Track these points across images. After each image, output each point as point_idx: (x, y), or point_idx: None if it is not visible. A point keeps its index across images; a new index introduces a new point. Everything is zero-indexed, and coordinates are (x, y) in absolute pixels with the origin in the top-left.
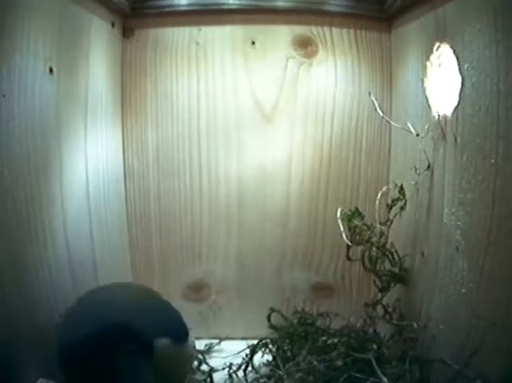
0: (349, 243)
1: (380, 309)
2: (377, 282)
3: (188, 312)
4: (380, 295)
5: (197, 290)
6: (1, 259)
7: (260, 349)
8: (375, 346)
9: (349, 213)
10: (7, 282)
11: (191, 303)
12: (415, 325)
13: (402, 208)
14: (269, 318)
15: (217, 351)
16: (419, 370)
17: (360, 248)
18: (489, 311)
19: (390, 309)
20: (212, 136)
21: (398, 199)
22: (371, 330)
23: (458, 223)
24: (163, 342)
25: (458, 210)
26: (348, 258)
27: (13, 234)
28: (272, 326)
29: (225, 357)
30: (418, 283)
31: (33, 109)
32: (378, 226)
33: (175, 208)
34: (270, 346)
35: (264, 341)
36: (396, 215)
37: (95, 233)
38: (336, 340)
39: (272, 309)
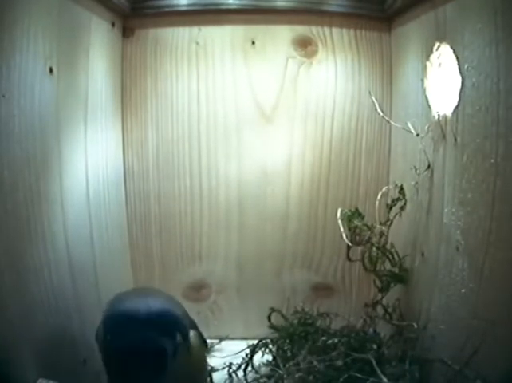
0: (349, 244)
1: (380, 310)
2: (377, 282)
3: (188, 312)
4: (380, 295)
5: (197, 290)
6: (1, 261)
7: (260, 349)
8: (375, 346)
9: (349, 213)
10: (7, 285)
11: (190, 303)
12: (415, 326)
13: (402, 208)
14: (269, 318)
15: (217, 351)
16: (419, 370)
17: (359, 248)
18: (489, 311)
19: (390, 310)
20: (212, 137)
21: (398, 200)
22: (371, 330)
23: (458, 223)
24: (193, 332)
25: (458, 210)
26: (349, 259)
27: (13, 236)
28: (272, 326)
29: (224, 357)
30: (418, 283)
31: (33, 109)
32: (378, 226)
33: (175, 210)
34: (270, 346)
35: (264, 341)
36: (396, 215)
37: (95, 235)
38: (336, 340)
39: (272, 309)
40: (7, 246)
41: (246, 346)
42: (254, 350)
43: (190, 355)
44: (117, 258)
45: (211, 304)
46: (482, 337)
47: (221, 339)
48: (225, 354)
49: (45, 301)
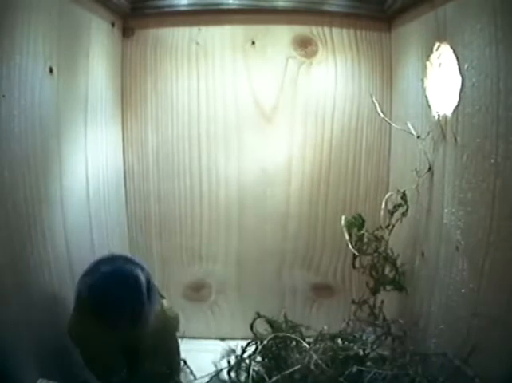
0: (356, 253)
1: (377, 310)
2: (370, 283)
3: (188, 312)
4: (373, 296)
5: (197, 290)
6: (1, 261)
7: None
8: (357, 348)
9: (353, 220)
10: (7, 284)
11: (191, 303)
12: (402, 322)
13: (403, 215)
14: (251, 326)
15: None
16: (418, 367)
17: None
18: (489, 311)
19: (376, 311)
20: (212, 137)
21: (400, 205)
22: (370, 329)
23: (458, 223)
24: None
25: (458, 210)
26: (354, 267)
27: (13, 235)
28: (255, 335)
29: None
30: (418, 283)
31: (33, 109)
32: (380, 232)
33: (175, 210)
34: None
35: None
36: (398, 220)
37: (95, 235)
38: (318, 345)
39: (258, 315)
40: (7, 246)
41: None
42: (237, 364)
43: (164, 313)
44: None
45: (211, 304)
46: (482, 337)
47: (221, 339)
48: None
49: (45, 300)
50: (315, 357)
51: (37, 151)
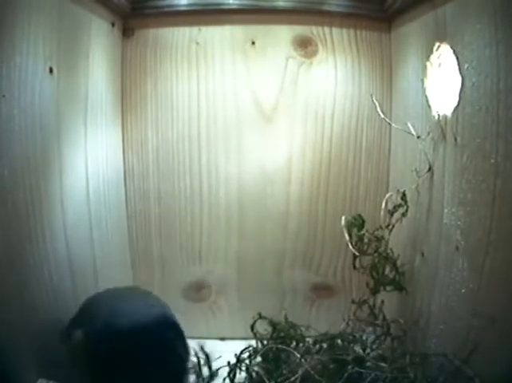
0: (357, 253)
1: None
2: (370, 283)
3: (188, 312)
4: (380, 296)
5: (197, 290)
6: (1, 261)
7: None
8: (358, 348)
9: (353, 220)
10: (7, 284)
11: (191, 303)
12: (402, 322)
13: (403, 215)
14: (252, 327)
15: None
16: (418, 368)
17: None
18: (489, 311)
19: (376, 311)
20: (212, 136)
21: (400, 205)
22: (370, 329)
23: (458, 222)
24: None
25: (458, 210)
26: (354, 267)
27: (13, 235)
28: (255, 335)
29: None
30: (418, 283)
31: (33, 109)
32: (380, 232)
33: (175, 209)
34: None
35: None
36: (398, 220)
37: (95, 234)
38: (319, 346)
39: (259, 315)
40: (7, 246)
41: (245, 346)
42: (234, 368)
43: None
44: (117, 258)
45: (211, 304)
46: (482, 337)
47: (221, 339)
48: (225, 354)
49: (45, 300)
50: (308, 368)
51: (38, 151)
